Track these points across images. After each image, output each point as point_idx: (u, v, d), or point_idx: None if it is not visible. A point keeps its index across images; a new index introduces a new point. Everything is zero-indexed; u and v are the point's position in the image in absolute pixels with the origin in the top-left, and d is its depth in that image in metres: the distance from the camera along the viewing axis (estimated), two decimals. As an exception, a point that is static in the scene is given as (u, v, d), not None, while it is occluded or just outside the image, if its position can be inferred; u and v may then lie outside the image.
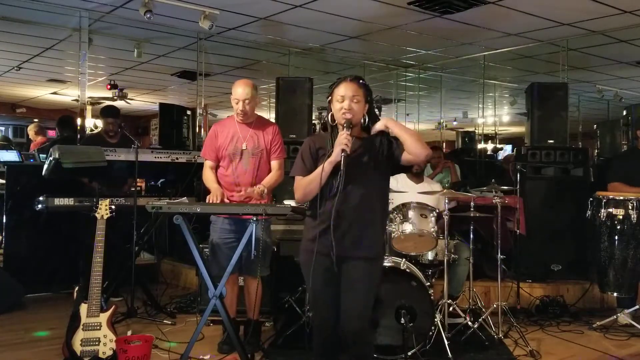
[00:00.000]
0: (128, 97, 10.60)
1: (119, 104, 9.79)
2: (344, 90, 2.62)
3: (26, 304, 4.96)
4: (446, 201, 4.13)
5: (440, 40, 7.12)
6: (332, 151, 2.57)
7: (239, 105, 3.68)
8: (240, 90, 3.68)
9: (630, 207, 4.36)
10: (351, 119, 2.59)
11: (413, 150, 2.57)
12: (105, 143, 5.10)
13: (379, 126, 2.67)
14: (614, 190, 4.64)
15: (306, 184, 2.64)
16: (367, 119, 2.68)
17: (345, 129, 2.56)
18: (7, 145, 8.50)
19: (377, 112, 2.80)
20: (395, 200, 4.19)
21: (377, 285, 2.74)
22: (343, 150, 2.50)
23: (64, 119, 6.55)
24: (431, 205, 4.19)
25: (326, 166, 2.54)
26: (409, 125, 12.59)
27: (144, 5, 5.43)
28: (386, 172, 2.74)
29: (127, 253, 4.70)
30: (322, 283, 2.68)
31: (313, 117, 5.95)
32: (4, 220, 5.34)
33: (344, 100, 2.61)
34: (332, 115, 2.67)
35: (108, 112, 5.37)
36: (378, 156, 2.66)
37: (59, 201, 4.30)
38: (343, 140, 2.51)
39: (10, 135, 14.05)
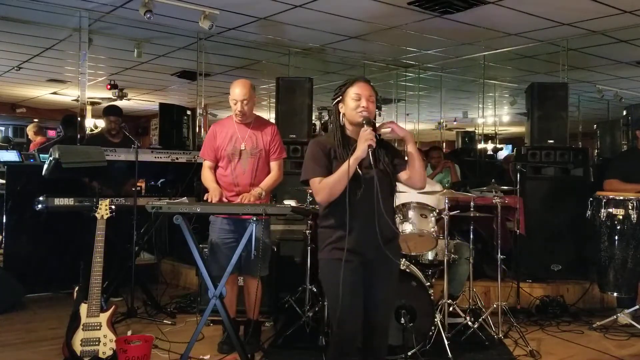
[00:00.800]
0: (128, 97, 10.58)
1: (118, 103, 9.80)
2: (359, 89, 2.61)
3: (26, 304, 4.96)
4: (446, 201, 4.12)
5: (440, 40, 7.12)
6: (355, 147, 2.51)
7: (237, 105, 3.67)
8: (238, 91, 3.67)
9: (630, 207, 4.36)
10: (369, 117, 2.57)
11: (416, 180, 2.67)
12: (108, 142, 5.11)
13: (399, 132, 2.61)
14: (610, 186, 4.65)
15: (332, 184, 2.51)
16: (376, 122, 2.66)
17: (366, 126, 2.52)
18: (5, 146, 8.50)
19: (378, 113, 2.80)
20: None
21: None
22: (370, 146, 2.46)
23: (68, 118, 6.53)
24: (431, 205, 4.19)
25: (352, 162, 2.47)
26: (409, 126, 12.64)
27: (144, 5, 5.43)
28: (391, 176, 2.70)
29: (127, 253, 4.70)
30: (351, 294, 2.53)
31: (313, 117, 5.96)
32: (4, 220, 5.33)
33: (360, 99, 2.58)
34: (342, 116, 2.64)
35: (110, 111, 5.38)
36: (385, 160, 2.65)
37: (59, 201, 4.30)
38: (368, 135, 2.48)
39: (10, 135, 14.05)
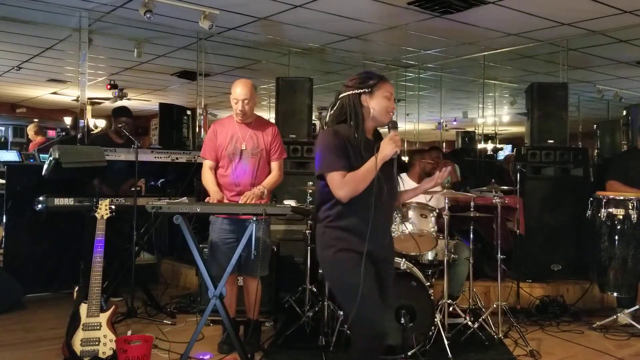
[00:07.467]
0: (128, 97, 10.58)
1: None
2: (392, 89, 2.56)
3: (26, 304, 4.96)
4: (446, 201, 4.13)
5: (440, 40, 7.12)
6: (378, 145, 2.42)
7: (238, 105, 3.68)
8: (239, 90, 3.67)
9: (630, 207, 4.36)
10: (396, 121, 2.53)
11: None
12: (113, 142, 5.10)
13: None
14: (611, 188, 4.65)
15: (359, 180, 2.38)
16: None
17: (392, 129, 2.45)
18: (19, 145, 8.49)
19: None
20: (395, 200, 4.18)
21: None
22: (397, 152, 2.41)
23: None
24: (431, 205, 4.19)
25: (379, 161, 2.39)
26: (409, 125, 12.64)
27: (144, 5, 5.43)
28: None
29: (127, 253, 4.70)
30: (373, 293, 2.44)
31: (313, 117, 5.95)
32: (4, 220, 5.33)
33: (391, 99, 2.54)
34: (362, 107, 2.51)
35: (121, 112, 5.32)
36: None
37: (59, 201, 4.30)
38: (399, 141, 2.42)
39: (10, 135, 14.05)
